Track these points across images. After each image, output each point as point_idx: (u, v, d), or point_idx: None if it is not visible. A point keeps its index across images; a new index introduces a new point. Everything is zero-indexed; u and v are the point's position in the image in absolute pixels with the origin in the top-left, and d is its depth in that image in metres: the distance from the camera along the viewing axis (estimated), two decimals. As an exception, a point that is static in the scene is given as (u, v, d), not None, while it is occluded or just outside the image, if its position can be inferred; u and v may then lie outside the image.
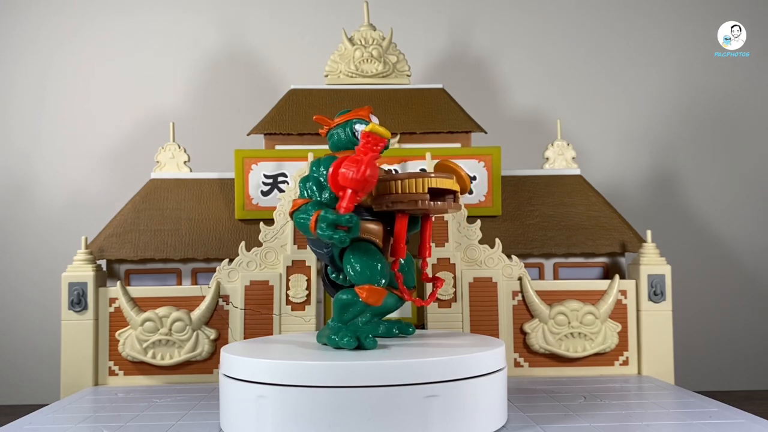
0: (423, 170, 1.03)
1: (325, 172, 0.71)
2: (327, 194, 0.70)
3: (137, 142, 1.34)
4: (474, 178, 1.07)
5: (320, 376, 0.61)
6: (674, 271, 1.03)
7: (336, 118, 0.75)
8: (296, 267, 0.97)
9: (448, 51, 1.41)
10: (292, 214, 0.71)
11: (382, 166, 0.72)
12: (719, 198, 1.38)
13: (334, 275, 0.75)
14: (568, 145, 1.13)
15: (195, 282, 1.04)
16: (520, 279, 1.00)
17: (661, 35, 1.41)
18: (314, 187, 0.71)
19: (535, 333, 0.99)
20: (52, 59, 1.35)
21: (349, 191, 0.66)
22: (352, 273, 0.69)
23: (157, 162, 1.10)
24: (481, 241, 1.00)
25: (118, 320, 0.97)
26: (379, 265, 0.69)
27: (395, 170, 1.03)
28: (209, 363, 0.98)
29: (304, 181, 0.72)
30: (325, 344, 0.72)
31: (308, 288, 0.96)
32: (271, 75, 1.38)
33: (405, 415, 0.61)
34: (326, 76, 1.14)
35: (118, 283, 0.98)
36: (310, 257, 0.96)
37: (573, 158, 1.12)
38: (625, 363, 1.00)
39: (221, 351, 0.70)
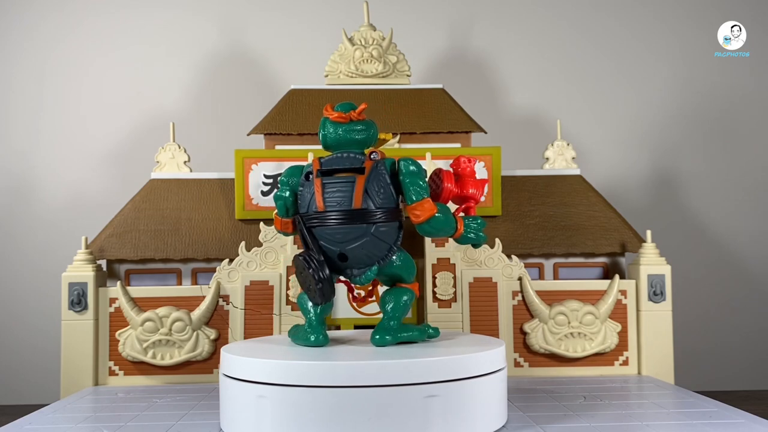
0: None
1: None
2: None
3: (137, 143, 1.34)
4: (474, 178, 1.07)
5: (320, 376, 0.61)
6: (674, 271, 1.02)
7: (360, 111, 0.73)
8: (296, 267, 0.97)
9: (448, 51, 1.41)
10: (434, 215, 0.69)
11: None
12: (719, 197, 1.38)
13: (371, 276, 0.72)
14: (568, 145, 1.13)
15: (195, 282, 1.04)
16: (520, 279, 1.00)
17: (661, 35, 1.41)
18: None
19: (535, 333, 0.99)
20: (52, 59, 1.35)
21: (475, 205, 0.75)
22: (411, 272, 0.73)
23: (157, 162, 1.10)
24: (481, 241, 1.00)
25: (118, 320, 0.97)
26: None
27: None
28: (209, 363, 0.98)
29: (423, 179, 0.71)
30: (382, 345, 0.70)
31: (308, 288, 0.96)
32: (271, 75, 1.38)
33: (405, 415, 0.61)
34: (326, 76, 1.14)
35: (118, 283, 0.98)
36: (310, 257, 0.96)
37: (573, 158, 1.13)
38: (625, 363, 1.00)
39: (221, 351, 0.70)
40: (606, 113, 1.40)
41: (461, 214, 0.73)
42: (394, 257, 0.71)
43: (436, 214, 0.69)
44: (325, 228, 0.69)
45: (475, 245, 0.74)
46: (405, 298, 0.72)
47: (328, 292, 0.70)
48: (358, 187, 0.69)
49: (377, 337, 0.71)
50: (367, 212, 0.68)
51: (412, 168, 0.70)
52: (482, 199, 0.76)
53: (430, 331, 0.75)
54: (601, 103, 1.40)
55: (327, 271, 0.69)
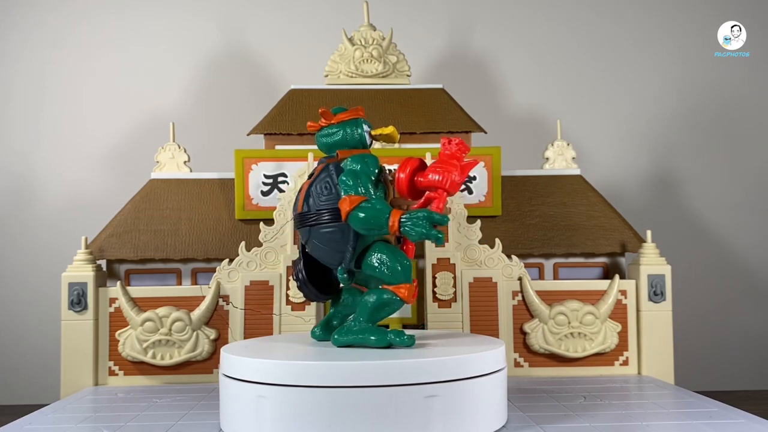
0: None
1: (376, 171, 0.69)
2: (381, 192, 0.69)
3: (137, 143, 1.34)
4: (474, 178, 1.07)
5: (320, 376, 0.61)
6: (674, 271, 1.02)
7: (337, 115, 0.74)
8: (296, 267, 0.97)
9: (448, 51, 1.41)
10: (350, 211, 0.67)
11: (385, 166, 0.74)
12: (719, 197, 1.38)
13: (345, 276, 0.71)
14: (568, 145, 1.13)
15: (195, 282, 1.04)
16: (520, 279, 1.00)
17: (661, 35, 1.41)
18: (369, 185, 0.69)
19: (535, 333, 0.99)
20: (52, 59, 1.35)
21: (444, 193, 0.68)
22: (387, 272, 0.69)
23: (157, 162, 1.10)
24: (481, 241, 1.00)
25: (118, 320, 0.97)
26: (409, 263, 0.70)
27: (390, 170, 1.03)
28: (209, 363, 0.98)
29: (353, 176, 0.69)
30: (348, 346, 0.70)
31: (308, 288, 0.96)
32: (271, 75, 1.38)
33: (405, 415, 0.61)
34: (326, 76, 1.14)
35: (118, 283, 0.98)
36: (310, 257, 0.96)
37: (573, 158, 1.13)
38: (625, 363, 1.00)
39: (221, 351, 0.70)
40: (606, 113, 1.40)
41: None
42: (364, 258, 0.69)
43: (353, 211, 0.66)
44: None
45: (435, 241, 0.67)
46: (375, 298, 0.69)
47: (305, 290, 0.74)
48: (302, 190, 0.71)
49: (335, 336, 0.71)
50: (306, 215, 0.70)
51: (347, 166, 0.70)
52: (453, 185, 0.68)
53: (392, 337, 0.69)
54: (601, 103, 1.40)
55: (303, 272, 0.73)
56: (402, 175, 0.69)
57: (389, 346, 0.69)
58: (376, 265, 0.69)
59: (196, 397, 0.86)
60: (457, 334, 0.84)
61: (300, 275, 0.74)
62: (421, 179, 0.68)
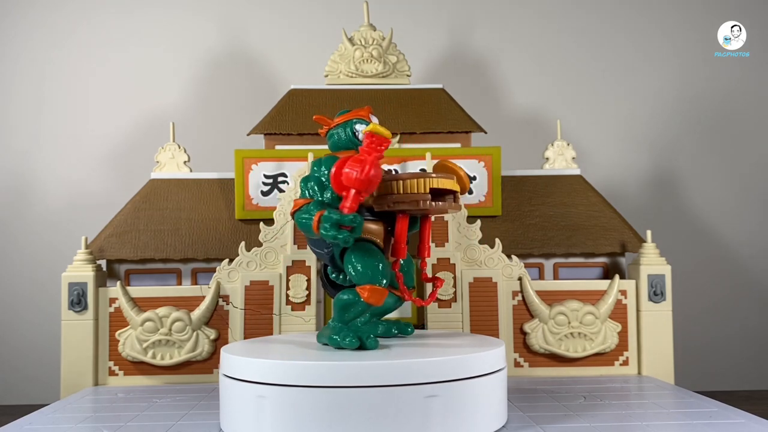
0: (423, 170, 1.03)
1: (326, 172, 0.71)
2: (329, 194, 0.70)
3: (137, 142, 1.34)
4: (474, 178, 1.07)
5: (320, 376, 0.61)
6: (674, 271, 1.02)
7: (336, 118, 0.75)
8: (296, 267, 0.97)
9: (448, 51, 1.41)
10: (293, 214, 0.71)
11: (382, 167, 0.74)
12: (719, 197, 1.38)
13: (334, 275, 0.75)
14: (568, 145, 1.13)
15: (195, 282, 1.04)
16: (520, 279, 1.00)
17: (661, 35, 1.41)
18: (315, 187, 0.71)
19: (535, 333, 0.99)
20: (52, 59, 1.35)
21: (353, 191, 0.66)
22: (353, 273, 0.69)
23: (157, 162, 1.10)
24: (481, 241, 1.00)
25: (118, 320, 0.97)
26: (381, 265, 0.69)
27: (395, 170, 1.03)
28: (209, 363, 0.98)
29: (306, 180, 0.72)
30: (326, 344, 0.72)
31: (308, 288, 0.96)
32: (271, 75, 1.38)
33: (405, 415, 0.61)
34: (326, 76, 1.14)
35: (118, 283, 0.98)
36: (310, 257, 0.96)
37: (573, 158, 1.13)
38: (625, 363, 1.00)
39: (221, 351, 0.70)
40: (606, 113, 1.40)
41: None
42: (345, 259, 0.70)
43: (294, 215, 0.70)
44: None
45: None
46: (344, 298, 0.70)
47: (328, 290, 0.78)
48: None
49: (318, 333, 0.75)
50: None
51: (310, 170, 0.73)
52: (362, 181, 0.65)
53: (341, 340, 0.69)
54: (601, 103, 1.40)
55: (323, 273, 0.77)
56: (332, 170, 0.68)
57: (341, 348, 0.69)
58: (347, 265, 0.70)
59: (196, 397, 0.86)
60: (457, 334, 0.84)
61: (323, 277, 0.78)
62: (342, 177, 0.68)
